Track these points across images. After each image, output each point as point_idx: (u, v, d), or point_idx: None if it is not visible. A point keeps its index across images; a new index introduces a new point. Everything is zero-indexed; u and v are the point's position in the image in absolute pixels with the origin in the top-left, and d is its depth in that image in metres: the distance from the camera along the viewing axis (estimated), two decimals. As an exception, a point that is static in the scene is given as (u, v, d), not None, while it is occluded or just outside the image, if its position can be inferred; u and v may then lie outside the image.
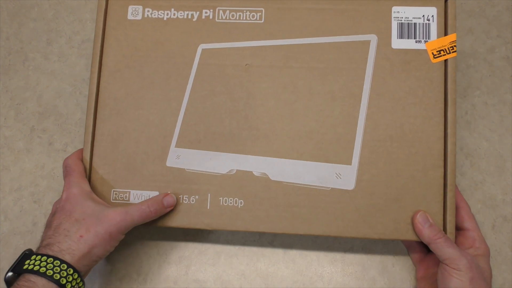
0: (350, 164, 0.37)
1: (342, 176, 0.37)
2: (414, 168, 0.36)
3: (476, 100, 0.45)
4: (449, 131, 0.36)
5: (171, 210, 0.37)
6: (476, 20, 0.47)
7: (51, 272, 0.30)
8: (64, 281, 0.31)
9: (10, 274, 0.32)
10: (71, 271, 0.31)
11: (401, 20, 0.38)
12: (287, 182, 0.37)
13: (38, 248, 0.33)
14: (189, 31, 0.39)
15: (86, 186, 0.36)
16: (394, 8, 0.38)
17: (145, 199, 0.37)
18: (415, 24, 0.38)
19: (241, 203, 0.37)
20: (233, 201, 0.37)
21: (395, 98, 0.37)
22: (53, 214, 0.35)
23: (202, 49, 0.39)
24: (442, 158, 0.36)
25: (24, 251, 0.33)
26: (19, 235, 0.44)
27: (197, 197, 0.37)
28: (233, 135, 0.38)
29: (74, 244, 0.32)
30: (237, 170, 0.37)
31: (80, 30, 0.48)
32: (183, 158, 0.38)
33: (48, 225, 0.34)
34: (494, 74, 0.46)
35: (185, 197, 0.37)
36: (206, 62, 0.39)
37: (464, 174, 0.44)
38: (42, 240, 0.33)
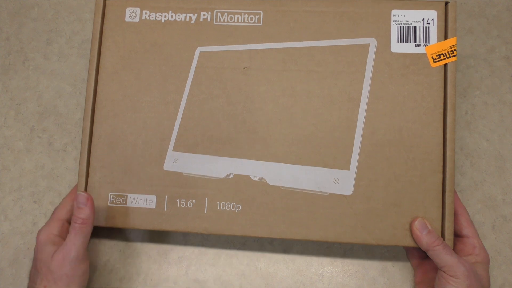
0: (348, 169, 0.37)
1: (340, 181, 0.36)
2: (412, 173, 0.36)
3: (476, 100, 0.45)
4: (448, 136, 0.36)
5: (170, 214, 0.37)
6: (476, 20, 0.47)
7: None
8: None
9: None
10: None
11: (401, 24, 0.38)
12: (284, 187, 0.37)
13: None
14: (187, 34, 0.39)
15: (54, 229, 0.36)
16: (394, 11, 0.38)
17: (143, 202, 0.37)
18: (414, 27, 0.38)
19: (238, 207, 0.37)
20: (230, 206, 0.37)
21: (394, 102, 0.37)
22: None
23: (200, 52, 0.39)
24: (441, 163, 0.36)
25: None
26: (19, 235, 0.44)
27: (194, 201, 0.37)
28: (230, 139, 0.38)
29: None
30: (235, 175, 0.37)
31: (80, 30, 0.48)
32: (180, 162, 0.38)
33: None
34: (494, 74, 0.46)
35: (183, 201, 0.37)
36: (204, 65, 0.38)
37: (464, 174, 0.44)
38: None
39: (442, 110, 0.37)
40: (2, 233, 0.44)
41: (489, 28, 0.47)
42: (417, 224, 0.35)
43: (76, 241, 0.34)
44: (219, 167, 0.37)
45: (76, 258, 0.34)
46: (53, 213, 0.37)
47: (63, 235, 0.36)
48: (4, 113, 0.47)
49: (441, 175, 0.36)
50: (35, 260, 0.36)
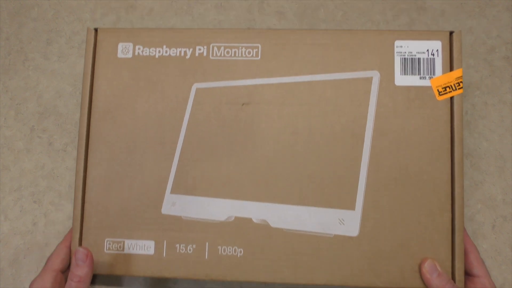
0: (354, 209, 0.35)
1: (345, 222, 0.35)
2: (420, 213, 0.35)
3: (476, 100, 0.45)
4: (456, 172, 0.35)
5: (169, 259, 0.35)
6: (476, 20, 0.47)
7: None
8: None
9: None
10: None
11: (405, 55, 0.36)
12: (288, 229, 0.35)
13: None
14: (182, 70, 0.37)
15: (48, 282, 0.34)
16: (397, 43, 0.36)
17: (141, 248, 0.36)
18: (419, 59, 0.36)
19: (240, 251, 0.35)
20: (232, 250, 0.35)
21: (399, 138, 0.36)
22: None
23: (197, 89, 0.37)
24: (450, 201, 0.35)
25: None
26: (19, 235, 0.44)
27: (194, 246, 0.36)
28: (231, 179, 0.36)
29: None
30: (236, 217, 0.36)
31: (80, 30, 0.48)
32: (179, 205, 0.36)
33: None
34: (494, 74, 0.46)
35: (182, 246, 0.36)
36: (201, 102, 0.37)
37: (464, 174, 0.43)
38: None
39: (449, 145, 0.35)
40: (2, 233, 0.44)
41: (489, 28, 0.47)
42: (426, 266, 0.34)
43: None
44: (219, 209, 0.36)
45: None
46: (47, 262, 0.36)
47: (56, 287, 0.35)
48: (4, 113, 0.47)
49: (449, 214, 0.35)
50: None
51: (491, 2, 0.47)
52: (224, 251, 0.35)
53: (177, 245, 0.36)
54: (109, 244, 0.36)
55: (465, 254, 0.36)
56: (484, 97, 0.45)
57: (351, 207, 0.35)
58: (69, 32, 0.48)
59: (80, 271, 0.33)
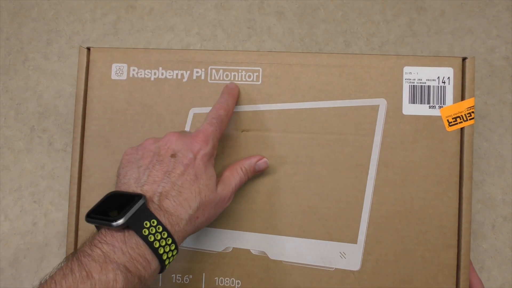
0: (356, 243, 0.34)
1: (347, 256, 0.34)
2: (424, 248, 0.34)
3: (476, 100, 0.45)
4: (464, 207, 0.33)
5: None
6: (476, 20, 0.46)
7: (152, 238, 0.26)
8: (162, 251, 0.26)
9: (120, 221, 0.25)
10: (170, 241, 0.27)
11: (414, 83, 0.34)
12: (287, 262, 0.34)
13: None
14: (179, 93, 0.36)
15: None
16: (406, 69, 0.35)
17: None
18: (428, 87, 0.34)
19: (238, 283, 0.35)
20: (229, 281, 0.35)
21: (405, 170, 0.34)
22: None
23: (194, 114, 0.35)
24: (456, 237, 0.34)
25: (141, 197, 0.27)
26: (19, 235, 0.44)
27: (191, 276, 0.35)
28: (229, 210, 0.35)
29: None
30: (234, 248, 0.35)
31: (80, 30, 0.48)
32: (175, 235, 0.35)
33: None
34: (494, 74, 0.45)
35: (178, 276, 0.35)
36: (199, 128, 0.35)
37: None
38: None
39: (457, 179, 0.34)
40: (2, 233, 0.44)
41: (489, 28, 0.46)
42: (429, 305, 0.33)
43: (242, 184, 0.33)
44: (217, 240, 0.35)
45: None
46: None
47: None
48: (4, 113, 0.47)
49: (455, 250, 0.34)
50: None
51: (491, 2, 0.47)
52: (221, 282, 0.35)
53: (173, 275, 0.35)
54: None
55: None
56: (484, 97, 0.45)
57: (353, 240, 0.34)
58: (69, 32, 0.48)
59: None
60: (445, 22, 0.46)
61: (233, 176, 0.32)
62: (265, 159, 0.34)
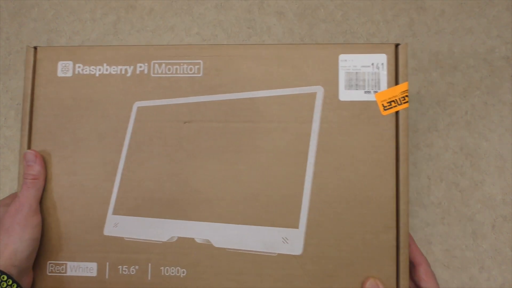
0: (298, 228, 0.35)
1: (289, 241, 0.35)
2: (365, 230, 0.34)
3: (476, 100, 0.45)
4: (401, 189, 0.34)
5: (112, 281, 0.35)
6: (476, 20, 0.47)
7: None
8: None
9: None
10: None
11: (349, 69, 0.35)
12: (231, 249, 0.35)
13: None
14: (123, 88, 0.36)
15: (7, 199, 0.36)
16: (341, 57, 0.36)
17: (83, 271, 0.35)
18: (363, 73, 0.35)
19: (183, 272, 0.35)
20: (175, 271, 0.35)
21: (344, 155, 0.35)
22: None
23: (138, 107, 0.36)
24: (395, 218, 0.34)
25: None
26: None
27: (137, 267, 0.35)
28: (173, 199, 0.35)
29: None
30: (179, 237, 0.35)
31: (80, 30, 0.48)
32: (121, 226, 0.35)
33: None
34: (494, 74, 0.46)
35: (125, 267, 0.35)
36: (143, 121, 0.36)
37: (464, 174, 0.44)
38: None
39: (394, 161, 0.35)
40: None
41: (489, 28, 0.47)
42: (368, 285, 0.33)
43: (28, 194, 0.35)
44: (162, 230, 0.35)
45: (29, 209, 0.34)
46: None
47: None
48: (4, 113, 0.48)
49: (394, 231, 0.34)
50: None
51: (491, 2, 0.47)
52: (167, 271, 0.35)
53: (120, 267, 0.35)
54: (51, 266, 0.36)
55: (415, 267, 0.35)
56: (484, 97, 0.45)
57: (295, 225, 0.35)
58: (69, 32, 0.49)
59: (32, 170, 0.35)
60: (445, 22, 0.47)
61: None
62: (29, 152, 0.36)
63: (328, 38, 0.48)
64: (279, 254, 0.35)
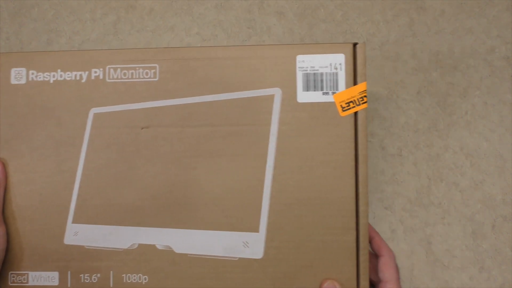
0: (258, 232, 0.35)
1: (249, 245, 0.35)
2: (325, 232, 0.34)
3: (476, 100, 0.45)
4: (360, 190, 0.34)
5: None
6: (476, 20, 0.47)
7: None
8: None
9: None
10: None
11: (307, 70, 0.35)
12: (192, 254, 0.35)
13: None
14: (78, 94, 0.36)
15: None
16: (299, 57, 0.35)
17: (45, 280, 0.35)
18: (321, 74, 0.35)
19: (145, 279, 0.35)
20: (137, 277, 0.35)
21: (303, 157, 0.35)
22: None
23: (94, 114, 0.36)
24: (354, 220, 0.34)
25: None
26: None
27: (99, 275, 0.35)
28: (133, 206, 0.35)
29: None
30: (140, 244, 0.35)
31: (80, 30, 0.48)
32: (81, 235, 0.35)
33: None
34: (494, 74, 0.46)
35: (86, 276, 0.35)
36: (99, 127, 0.36)
37: (464, 174, 0.44)
38: None
39: (353, 163, 0.34)
40: None
41: (489, 28, 0.47)
42: (326, 286, 0.33)
43: None
44: (122, 237, 0.35)
45: None
46: None
47: None
48: None
49: (354, 232, 0.34)
50: None
51: (491, 2, 0.47)
52: (129, 279, 0.35)
53: (82, 275, 0.35)
54: (13, 277, 0.35)
55: (378, 258, 0.37)
56: (484, 97, 0.45)
57: (255, 229, 0.35)
58: (69, 32, 0.48)
59: None
60: (445, 22, 0.47)
61: None
62: None
63: (328, 38, 0.47)
64: (240, 259, 0.35)
